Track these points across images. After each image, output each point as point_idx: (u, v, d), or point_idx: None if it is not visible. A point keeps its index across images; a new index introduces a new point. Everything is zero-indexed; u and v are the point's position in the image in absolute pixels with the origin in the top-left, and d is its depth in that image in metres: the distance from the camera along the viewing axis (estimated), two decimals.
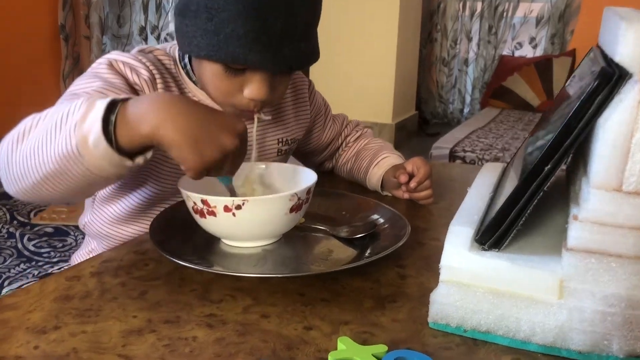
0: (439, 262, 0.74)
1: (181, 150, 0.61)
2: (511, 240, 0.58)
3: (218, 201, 0.70)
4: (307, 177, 0.80)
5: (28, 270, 1.59)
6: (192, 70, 0.87)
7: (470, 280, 0.58)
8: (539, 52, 4.19)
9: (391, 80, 3.70)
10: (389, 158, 1.03)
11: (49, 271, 1.56)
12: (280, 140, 0.98)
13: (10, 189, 0.69)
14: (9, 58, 3.32)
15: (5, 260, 1.69)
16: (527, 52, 4.27)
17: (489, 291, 0.57)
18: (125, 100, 0.64)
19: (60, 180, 0.65)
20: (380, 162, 1.02)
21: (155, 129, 0.61)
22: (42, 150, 0.63)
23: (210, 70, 0.80)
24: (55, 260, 1.67)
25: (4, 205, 2.05)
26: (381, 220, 0.84)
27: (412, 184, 0.94)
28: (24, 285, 0.68)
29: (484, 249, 0.58)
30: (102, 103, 0.62)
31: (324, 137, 1.08)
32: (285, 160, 1.01)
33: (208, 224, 0.74)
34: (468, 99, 4.58)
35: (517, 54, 4.31)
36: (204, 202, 0.71)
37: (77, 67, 3.75)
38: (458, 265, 0.58)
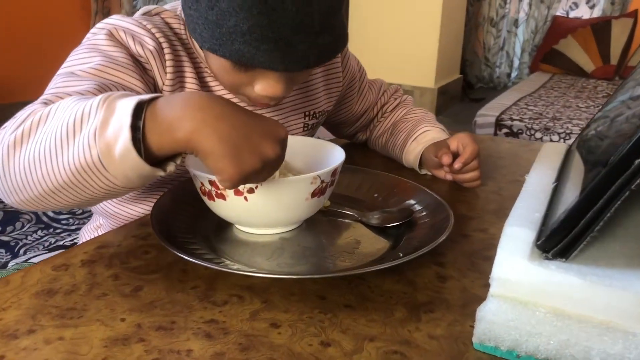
0: (485, 259, 0.63)
1: (220, 160, 0.51)
2: (582, 248, 0.46)
3: None
4: (334, 156, 0.69)
5: (45, 238, 1.53)
6: None
7: (529, 296, 0.46)
8: (596, 12, 3.91)
9: (435, 41, 3.50)
10: (430, 132, 0.90)
11: (62, 242, 1.49)
12: (308, 113, 0.87)
13: (8, 199, 0.59)
14: (39, 14, 3.26)
15: (23, 226, 1.65)
16: (584, 12, 3.98)
17: (552, 311, 0.46)
18: (152, 100, 0.53)
19: (75, 192, 0.55)
20: (419, 137, 0.90)
21: (191, 135, 0.51)
22: (52, 159, 0.53)
23: (217, 63, 0.70)
24: (73, 227, 1.61)
25: None
26: (419, 207, 0.72)
27: (457, 165, 0.81)
28: (5, 275, 0.59)
29: (548, 258, 0.47)
30: (126, 106, 0.51)
31: (357, 106, 0.96)
32: (312, 135, 0.90)
33: (217, 207, 0.64)
34: (516, 62, 4.34)
35: (572, 14, 4.03)
36: (212, 183, 0.61)
37: None
38: (514, 278, 0.47)
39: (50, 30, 3.35)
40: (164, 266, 0.60)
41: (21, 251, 1.47)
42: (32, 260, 1.10)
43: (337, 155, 0.69)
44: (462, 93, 4.20)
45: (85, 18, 3.66)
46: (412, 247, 0.61)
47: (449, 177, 0.86)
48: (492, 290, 0.48)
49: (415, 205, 0.73)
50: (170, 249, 0.58)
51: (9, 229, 1.55)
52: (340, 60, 0.91)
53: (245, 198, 0.60)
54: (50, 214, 1.69)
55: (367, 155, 1.01)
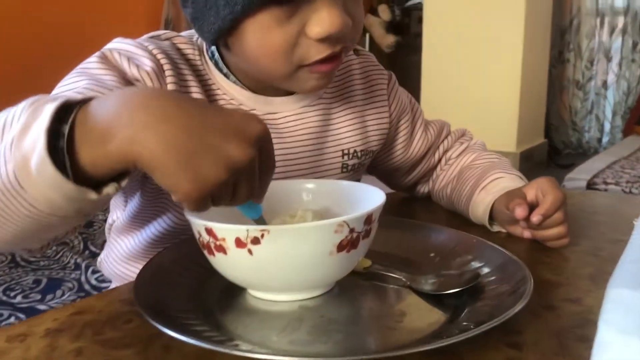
0: (578, 339, 0.45)
1: (168, 172, 0.40)
2: None
3: (227, 231, 0.47)
4: (372, 199, 0.54)
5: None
6: (222, 61, 0.66)
7: None
8: None
9: (515, 103, 3.31)
10: (503, 179, 0.73)
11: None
12: (346, 152, 0.72)
13: None
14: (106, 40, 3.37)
15: (63, 294, 1.58)
16: None
17: None
18: (86, 101, 0.42)
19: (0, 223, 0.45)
20: (488, 185, 0.73)
21: (127, 143, 0.40)
22: None
23: (255, 32, 0.57)
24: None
25: (80, 234, 1.99)
26: (487, 270, 0.55)
27: (535, 218, 0.64)
28: None
29: None
30: (51, 106, 0.41)
31: (412, 149, 0.81)
32: (354, 180, 0.75)
33: (218, 264, 0.51)
34: (607, 126, 4.04)
35: None
36: (208, 231, 0.48)
37: None
38: None
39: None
40: (144, 339, 0.46)
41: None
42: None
43: (376, 199, 0.54)
44: (548, 159, 3.93)
45: None
46: (476, 322, 0.45)
47: (527, 234, 0.68)
48: None
49: (483, 268, 0.56)
50: (146, 317, 0.44)
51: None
52: (386, 92, 0.77)
53: (250, 251, 0.46)
54: (93, 281, 1.62)
55: (431, 209, 0.84)
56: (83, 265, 1.71)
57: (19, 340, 0.47)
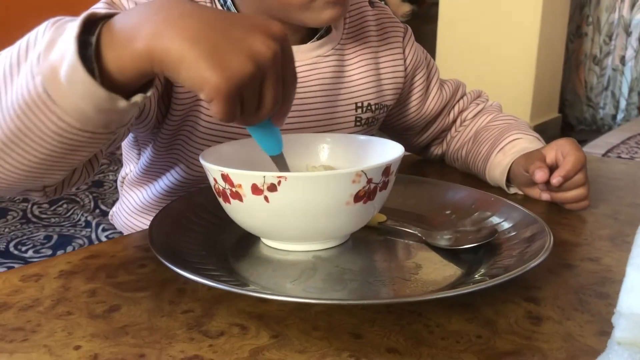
0: (598, 295, 0.44)
1: (194, 65, 0.39)
2: None
3: (244, 177, 0.46)
4: (391, 154, 0.53)
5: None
6: (235, 7, 0.64)
7: None
8: None
9: (530, 77, 3.26)
10: (521, 140, 0.72)
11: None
12: (360, 105, 0.71)
13: None
14: None
15: (74, 250, 1.60)
16: None
17: None
18: (110, 15, 0.42)
19: (24, 147, 0.44)
20: (506, 147, 0.72)
21: (152, 39, 0.39)
22: None
23: None
24: None
25: (91, 193, 2.00)
26: (505, 225, 0.54)
27: (555, 180, 0.62)
28: None
29: None
30: (76, 22, 0.40)
31: (426, 106, 0.79)
32: (369, 135, 0.74)
33: (234, 211, 0.50)
34: (623, 103, 3.98)
35: None
36: (225, 177, 0.47)
37: None
38: None
39: None
40: (157, 283, 0.46)
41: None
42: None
43: (394, 152, 0.53)
44: (561, 134, 3.89)
45: None
46: (492, 276, 0.44)
47: (545, 196, 0.66)
48: (618, 335, 0.30)
49: (501, 224, 0.55)
50: (161, 260, 0.44)
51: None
52: (401, 45, 0.75)
53: (266, 198, 0.46)
54: (103, 239, 1.64)
55: (444, 172, 0.83)
56: (94, 223, 1.71)
57: (34, 280, 0.47)
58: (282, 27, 0.42)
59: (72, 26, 0.40)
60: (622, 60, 3.89)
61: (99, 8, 0.57)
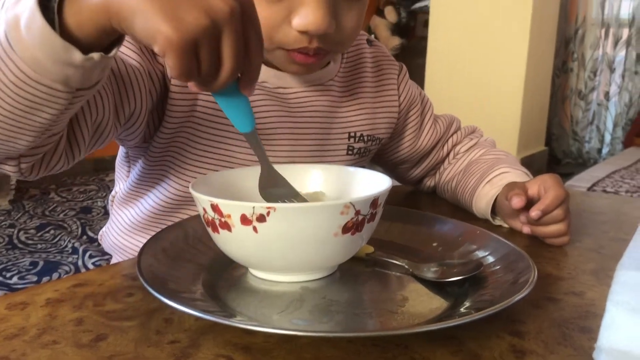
0: (582, 330, 0.45)
1: (149, 18, 0.39)
2: None
3: (233, 207, 0.47)
4: (378, 185, 0.54)
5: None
6: None
7: None
8: None
9: (517, 110, 3.31)
10: (509, 174, 0.73)
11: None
12: (353, 135, 0.73)
13: None
14: None
15: (60, 277, 1.58)
16: None
17: None
18: None
19: None
20: (494, 179, 0.73)
21: None
22: None
23: None
24: None
25: (79, 219, 2.00)
26: (491, 259, 0.55)
27: (534, 213, 0.63)
28: None
29: None
30: None
31: (420, 141, 0.81)
32: (360, 167, 0.75)
33: (223, 242, 0.50)
34: (608, 137, 4.04)
35: None
36: (214, 207, 0.47)
37: None
38: (633, 347, 0.29)
39: None
40: (144, 312, 0.46)
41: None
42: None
43: (382, 184, 0.54)
44: (548, 167, 3.93)
45: None
46: (477, 309, 0.44)
47: (526, 229, 0.67)
48: None
49: (486, 258, 0.56)
50: (149, 289, 0.44)
51: None
52: (396, 82, 0.77)
53: (255, 229, 0.46)
54: (90, 266, 1.61)
55: (435, 203, 0.84)
56: (80, 249, 1.71)
57: (19, 308, 0.46)
58: None
59: None
60: (607, 95, 3.97)
61: None
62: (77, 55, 0.42)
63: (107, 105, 0.55)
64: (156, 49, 0.40)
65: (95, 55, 0.43)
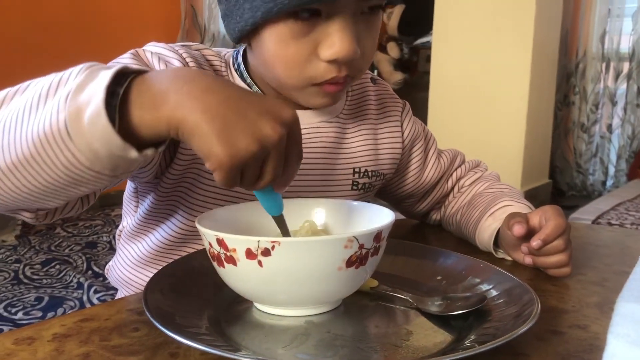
0: None
1: (205, 139, 0.43)
2: None
3: (238, 242, 0.47)
4: (381, 220, 0.55)
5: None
6: (247, 72, 0.69)
7: None
8: None
9: (520, 144, 3.33)
10: (511, 208, 0.74)
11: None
12: (357, 170, 0.74)
13: None
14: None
15: (65, 313, 1.58)
16: None
17: None
18: (140, 72, 0.46)
19: (31, 172, 0.47)
20: (497, 212, 0.74)
21: (174, 108, 0.44)
22: (17, 127, 0.46)
23: (273, 41, 0.60)
24: None
25: (84, 254, 2.00)
26: (494, 292, 0.55)
27: (535, 243, 0.64)
28: None
29: None
30: (109, 72, 0.45)
31: (424, 175, 0.82)
32: (365, 201, 0.76)
33: (228, 276, 0.51)
34: (612, 170, 4.05)
35: None
36: (220, 242, 0.48)
37: None
38: None
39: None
40: (151, 347, 0.47)
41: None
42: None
43: (385, 218, 0.54)
44: (552, 200, 3.93)
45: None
46: (481, 342, 0.45)
47: (528, 260, 0.67)
48: None
49: (490, 291, 0.56)
50: (155, 324, 0.44)
51: None
52: (399, 119, 0.79)
53: (260, 263, 0.47)
54: (95, 301, 1.61)
55: (441, 237, 0.85)
56: (86, 284, 1.71)
57: (27, 343, 0.47)
58: (293, 112, 0.46)
59: (104, 75, 0.44)
60: (609, 128, 3.99)
61: (125, 58, 0.61)
62: (133, 153, 0.45)
63: None
64: (207, 166, 0.44)
65: (150, 152, 0.46)
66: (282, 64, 0.61)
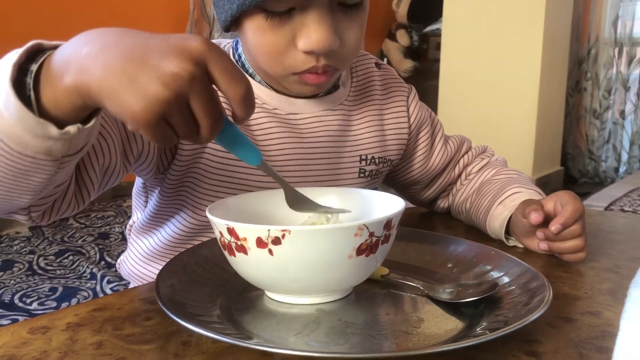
0: (599, 350, 0.45)
1: (113, 96, 0.40)
2: None
3: (249, 230, 0.47)
4: (391, 207, 0.55)
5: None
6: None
7: None
8: None
9: (532, 131, 3.30)
10: (522, 194, 0.73)
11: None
12: (364, 157, 0.73)
13: None
14: None
15: (78, 302, 1.60)
16: None
17: None
18: (55, 47, 0.45)
19: None
20: (506, 200, 0.73)
21: (77, 76, 0.42)
22: None
23: (252, 31, 0.61)
24: None
25: (97, 245, 2.02)
26: (506, 279, 0.55)
27: (554, 227, 0.63)
28: None
29: None
30: (20, 50, 0.44)
31: (431, 161, 0.81)
32: (372, 188, 0.75)
33: (239, 265, 0.51)
34: (625, 156, 4.01)
35: None
36: (230, 231, 0.48)
37: None
38: None
39: None
40: (163, 336, 0.47)
41: None
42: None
43: (395, 206, 0.54)
44: (564, 187, 3.90)
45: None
46: (493, 329, 0.44)
47: (543, 246, 0.67)
48: None
49: (501, 278, 0.56)
50: (167, 313, 0.45)
51: None
52: (406, 104, 0.78)
53: (270, 251, 0.47)
54: (108, 291, 1.63)
55: (450, 225, 0.84)
56: (99, 275, 1.72)
57: (41, 332, 0.47)
58: (202, 41, 0.41)
59: (16, 53, 0.43)
60: (622, 114, 3.95)
61: None
62: (53, 130, 0.43)
63: (114, 149, 0.56)
64: (128, 127, 0.41)
65: (72, 129, 0.44)
66: (263, 54, 0.62)
